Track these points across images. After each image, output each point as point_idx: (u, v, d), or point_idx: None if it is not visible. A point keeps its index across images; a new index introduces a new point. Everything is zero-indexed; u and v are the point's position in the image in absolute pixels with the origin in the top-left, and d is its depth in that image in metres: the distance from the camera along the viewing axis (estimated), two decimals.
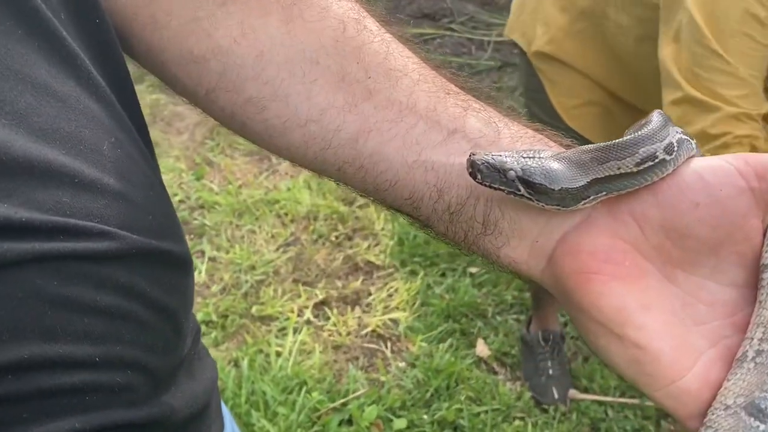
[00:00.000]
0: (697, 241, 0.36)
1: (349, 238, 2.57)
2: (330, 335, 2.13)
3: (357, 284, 2.34)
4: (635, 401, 1.89)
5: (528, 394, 1.91)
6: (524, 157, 0.38)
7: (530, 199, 0.38)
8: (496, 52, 3.83)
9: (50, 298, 0.35)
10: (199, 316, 2.16)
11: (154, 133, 2.96)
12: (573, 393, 1.92)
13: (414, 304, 2.24)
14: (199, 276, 2.33)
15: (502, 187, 0.38)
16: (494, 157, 0.38)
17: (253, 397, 1.90)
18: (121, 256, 0.38)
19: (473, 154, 0.38)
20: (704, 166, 0.38)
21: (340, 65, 0.43)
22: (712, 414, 0.35)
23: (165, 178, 2.72)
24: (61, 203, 0.36)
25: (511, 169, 0.37)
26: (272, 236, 2.52)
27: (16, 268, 0.34)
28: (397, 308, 2.23)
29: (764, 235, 0.36)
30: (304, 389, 1.88)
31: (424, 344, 2.07)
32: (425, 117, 0.42)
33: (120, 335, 0.38)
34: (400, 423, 1.80)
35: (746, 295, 0.36)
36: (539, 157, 0.38)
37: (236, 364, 2.03)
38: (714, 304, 0.37)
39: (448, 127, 0.42)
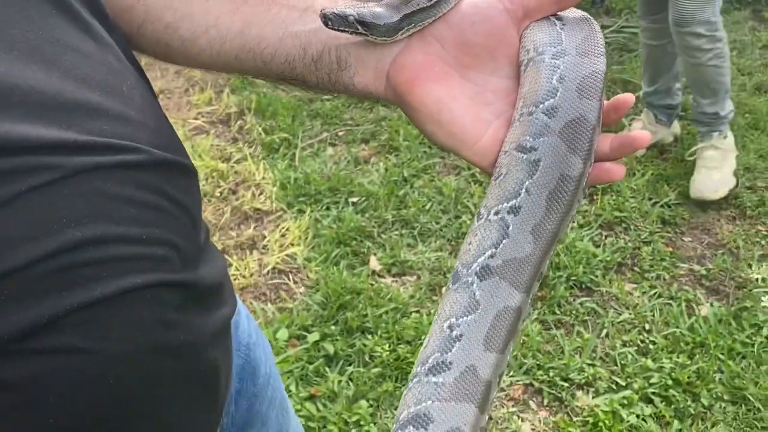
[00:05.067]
0: (479, 48, 0.55)
1: (233, 192, 2.72)
2: (235, 279, 2.30)
3: (250, 231, 2.50)
4: None
5: (421, 291, 2.19)
6: (358, 7, 0.56)
7: (366, 35, 0.56)
8: None
9: (108, 195, 0.51)
10: None
11: None
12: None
13: (307, 238, 2.44)
14: None
15: (347, 29, 0.55)
16: (338, 9, 0.55)
17: None
18: (150, 165, 0.54)
19: (323, 10, 0.56)
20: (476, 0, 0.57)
21: None
22: (498, 160, 0.54)
23: None
24: (103, 130, 0.51)
25: (350, 15, 0.54)
26: None
27: (85, 174, 0.49)
28: (292, 244, 2.43)
29: (519, 41, 0.55)
30: None
31: (322, 269, 2.29)
32: (285, 5, 0.61)
33: (157, 221, 0.54)
34: (313, 336, 2.03)
35: (517, 84, 0.55)
36: (368, 6, 0.56)
37: None
38: (496, 92, 0.56)
39: (301, 7, 0.61)
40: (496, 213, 0.51)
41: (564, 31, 0.54)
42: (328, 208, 2.57)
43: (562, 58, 0.52)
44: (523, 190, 0.50)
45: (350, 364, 1.97)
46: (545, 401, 1.87)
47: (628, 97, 0.53)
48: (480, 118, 0.55)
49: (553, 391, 1.89)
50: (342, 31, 0.56)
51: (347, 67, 0.59)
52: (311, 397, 1.88)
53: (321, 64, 0.60)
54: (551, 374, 1.92)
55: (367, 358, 1.98)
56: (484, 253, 0.50)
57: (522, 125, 0.52)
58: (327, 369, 1.95)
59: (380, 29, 0.55)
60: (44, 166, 0.48)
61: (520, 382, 1.92)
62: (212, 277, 0.63)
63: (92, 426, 0.51)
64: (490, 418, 1.83)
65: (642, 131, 0.53)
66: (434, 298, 2.19)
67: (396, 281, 2.28)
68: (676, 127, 2.89)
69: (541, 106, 0.51)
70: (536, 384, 1.92)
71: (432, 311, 2.14)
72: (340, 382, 1.91)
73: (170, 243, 0.55)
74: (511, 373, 1.94)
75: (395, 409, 1.86)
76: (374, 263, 2.33)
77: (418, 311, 2.13)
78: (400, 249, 2.37)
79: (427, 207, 2.57)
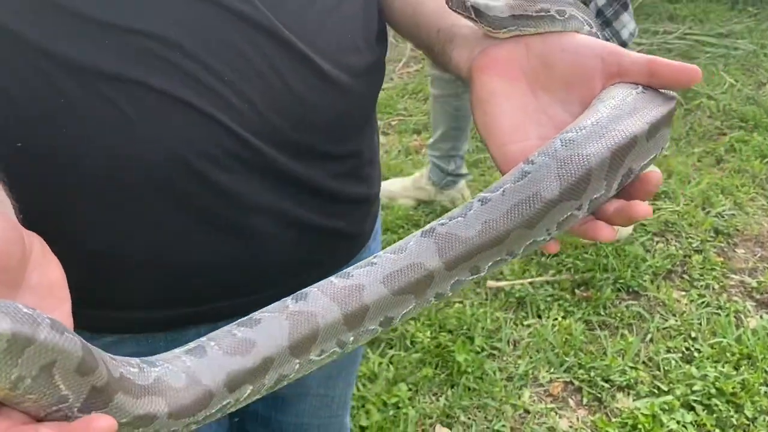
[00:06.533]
0: (558, 75, 0.57)
1: None
2: None
3: None
4: (551, 278, 2.21)
5: None
6: None
7: (474, 20, 0.61)
8: None
9: (208, 25, 0.59)
10: None
11: None
12: (490, 283, 2.22)
13: None
14: None
15: (462, 12, 0.62)
16: None
17: None
18: (265, 30, 0.61)
19: None
20: (584, 35, 0.58)
21: None
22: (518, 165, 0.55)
23: None
24: None
25: (468, 0, 0.61)
26: None
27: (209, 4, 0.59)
28: None
29: (600, 92, 0.55)
30: None
31: None
32: None
33: (248, 77, 0.61)
34: None
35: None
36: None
37: None
38: (553, 119, 0.57)
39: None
40: (474, 198, 0.54)
41: (638, 95, 0.53)
42: None
43: (613, 110, 0.52)
44: (501, 189, 0.52)
45: (391, 348, 2.00)
46: (584, 400, 1.87)
47: (656, 175, 0.53)
48: (521, 129, 0.57)
49: (593, 391, 1.88)
50: (459, 12, 0.63)
51: (454, 43, 0.66)
52: None
53: (441, 35, 0.68)
54: (592, 374, 1.91)
55: (408, 343, 2.01)
56: (440, 221, 0.53)
57: (542, 146, 0.54)
58: (368, 350, 1.97)
59: (487, 18, 0.60)
60: None
61: (560, 380, 1.92)
62: (318, 181, 0.70)
63: (104, 175, 0.60)
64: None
65: (644, 204, 0.52)
66: (478, 290, 2.20)
67: None
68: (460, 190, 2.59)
69: (563, 135, 0.52)
70: (576, 383, 1.91)
71: (475, 303, 2.15)
72: (380, 363, 1.93)
73: (251, 102, 0.62)
74: (552, 370, 1.94)
75: (434, 395, 1.88)
76: None
77: (461, 302, 2.15)
78: None
79: None
